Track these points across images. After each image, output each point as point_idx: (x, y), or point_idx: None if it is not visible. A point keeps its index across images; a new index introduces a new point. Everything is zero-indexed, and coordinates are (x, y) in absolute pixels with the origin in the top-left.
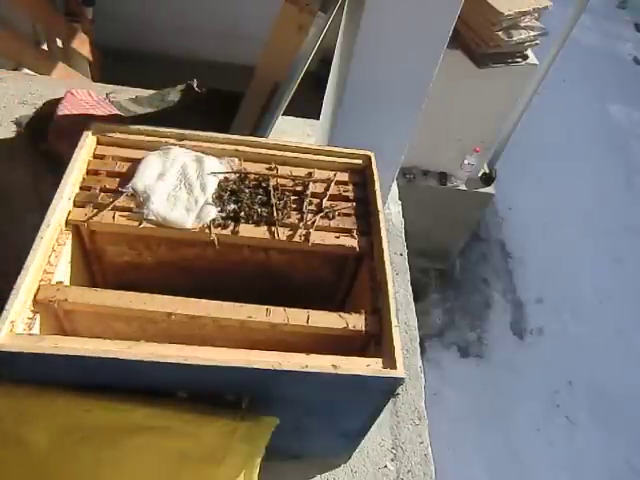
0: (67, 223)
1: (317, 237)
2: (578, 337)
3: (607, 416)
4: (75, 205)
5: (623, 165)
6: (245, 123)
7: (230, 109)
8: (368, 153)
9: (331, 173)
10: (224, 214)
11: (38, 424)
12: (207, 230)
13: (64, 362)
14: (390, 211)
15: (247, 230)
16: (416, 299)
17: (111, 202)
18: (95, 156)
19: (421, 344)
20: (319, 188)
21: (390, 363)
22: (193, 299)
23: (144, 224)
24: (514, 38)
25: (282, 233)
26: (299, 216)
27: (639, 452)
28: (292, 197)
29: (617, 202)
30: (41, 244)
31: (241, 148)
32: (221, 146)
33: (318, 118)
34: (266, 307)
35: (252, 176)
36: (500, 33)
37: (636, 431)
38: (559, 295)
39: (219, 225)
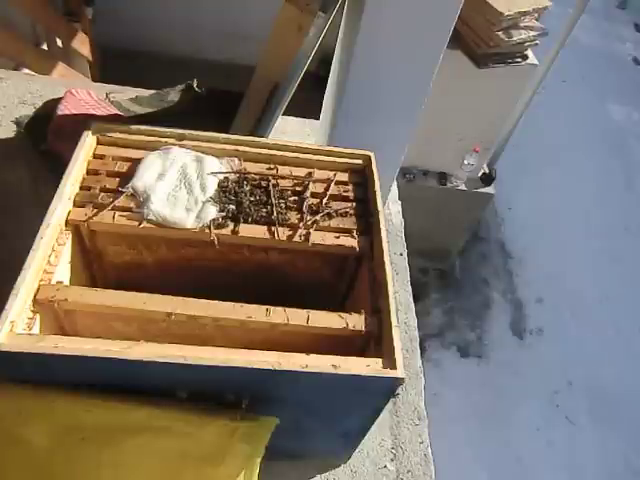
0: (67, 223)
1: (317, 237)
2: (578, 337)
3: (607, 416)
4: (75, 205)
5: (623, 165)
6: (245, 123)
7: (230, 109)
8: (368, 153)
9: (331, 173)
10: (224, 214)
11: (38, 424)
12: (207, 230)
13: (64, 362)
14: (390, 211)
15: (247, 230)
16: (416, 299)
17: (111, 202)
18: (95, 156)
19: (421, 344)
20: (319, 188)
21: (390, 363)
22: (193, 299)
23: (144, 224)
24: (514, 38)
25: (282, 233)
26: (299, 216)
27: (638, 452)
28: (292, 197)
29: (617, 202)
30: (41, 244)
31: (241, 148)
32: (221, 146)
33: (318, 118)
34: (266, 307)
35: (252, 176)
36: (500, 33)
37: (635, 431)
38: (559, 295)
39: (219, 225)
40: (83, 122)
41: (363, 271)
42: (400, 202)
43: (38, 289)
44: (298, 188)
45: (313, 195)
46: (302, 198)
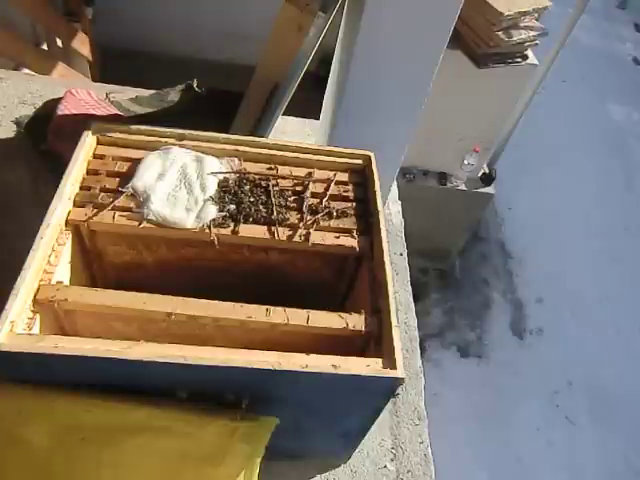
0: (67, 223)
1: (317, 237)
2: (578, 337)
3: (606, 416)
4: (75, 205)
5: (623, 165)
6: (245, 123)
7: (230, 109)
8: (368, 153)
9: (331, 173)
10: (224, 214)
11: (38, 424)
12: (207, 230)
13: (64, 362)
14: (390, 211)
15: (247, 230)
16: (416, 299)
17: (111, 202)
18: (95, 156)
19: (421, 344)
20: (319, 188)
21: (390, 363)
22: (193, 299)
23: (144, 224)
24: (514, 38)
25: (282, 233)
26: (299, 216)
27: (638, 452)
28: (292, 197)
29: (617, 202)
30: (41, 244)
31: (241, 148)
32: (221, 146)
33: (318, 118)
34: (266, 307)
35: (252, 176)
36: (500, 33)
37: (635, 431)
38: (559, 295)
39: (219, 225)
40: (83, 122)
41: (363, 271)
42: (400, 202)
43: (38, 289)
44: (298, 188)
45: (313, 195)
46: (302, 198)
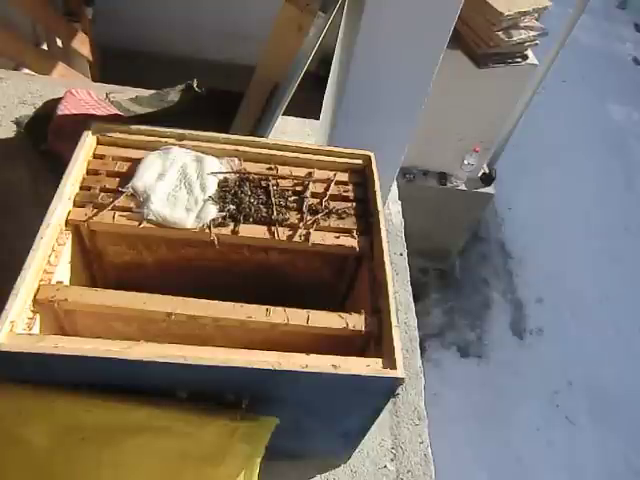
0: (67, 223)
1: (317, 237)
2: (578, 337)
3: (606, 416)
4: (75, 205)
5: (623, 165)
6: (245, 123)
7: (230, 109)
8: (368, 153)
9: (331, 173)
10: (224, 214)
11: (38, 424)
12: (207, 230)
13: (64, 362)
14: (390, 211)
15: (247, 230)
16: (416, 299)
17: (111, 202)
18: (95, 156)
19: (421, 344)
20: (319, 188)
21: (390, 363)
22: (193, 299)
23: (144, 224)
24: (514, 38)
25: (282, 233)
26: (299, 216)
27: (638, 452)
28: (292, 197)
29: (617, 202)
30: (41, 244)
31: (241, 148)
32: (221, 146)
33: (318, 118)
34: (266, 307)
35: (252, 176)
36: (500, 33)
37: (635, 431)
38: (559, 295)
39: (219, 225)
40: (83, 122)
41: (363, 271)
42: (400, 202)
43: (38, 289)
44: (298, 188)
45: (313, 195)
46: (302, 198)
